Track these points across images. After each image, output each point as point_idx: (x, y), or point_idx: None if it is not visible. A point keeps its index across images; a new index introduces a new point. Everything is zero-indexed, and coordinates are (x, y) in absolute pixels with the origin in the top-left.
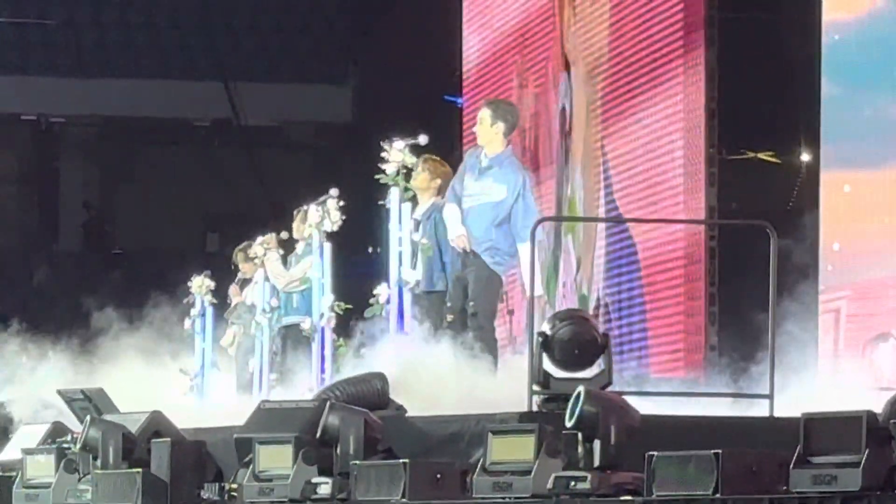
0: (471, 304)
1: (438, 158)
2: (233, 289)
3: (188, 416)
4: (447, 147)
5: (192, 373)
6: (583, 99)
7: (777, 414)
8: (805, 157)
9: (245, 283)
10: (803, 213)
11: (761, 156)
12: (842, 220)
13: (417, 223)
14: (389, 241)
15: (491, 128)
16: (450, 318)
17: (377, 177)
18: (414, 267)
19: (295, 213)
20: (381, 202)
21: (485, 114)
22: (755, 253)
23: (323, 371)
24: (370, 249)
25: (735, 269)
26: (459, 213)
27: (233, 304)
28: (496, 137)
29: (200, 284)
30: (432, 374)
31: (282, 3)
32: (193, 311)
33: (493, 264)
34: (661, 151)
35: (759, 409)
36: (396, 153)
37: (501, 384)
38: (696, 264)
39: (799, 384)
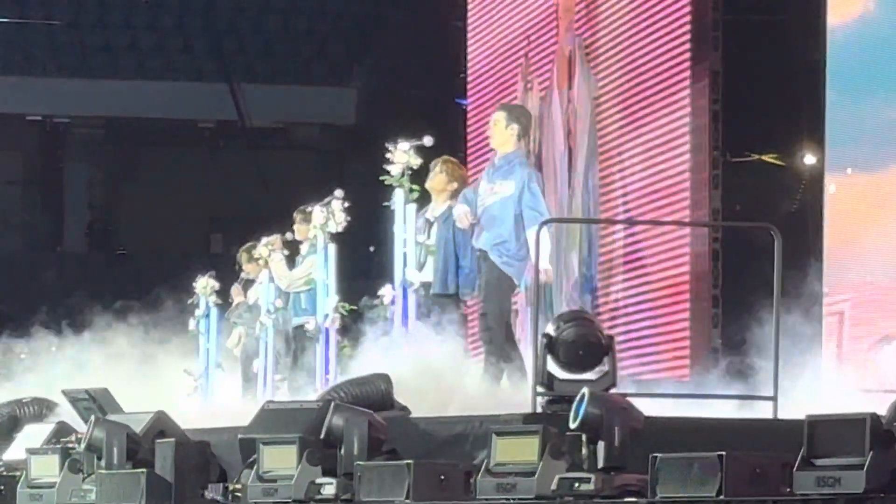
0: (480, 304)
1: (456, 161)
2: (234, 289)
3: (193, 416)
4: (451, 149)
5: (196, 373)
6: (587, 102)
7: (781, 416)
8: (809, 159)
9: (248, 283)
10: (807, 216)
11: (765, 158)
12: (846, 222)
13: (430, 224)
14: (394, 242)
15: (506, 129)
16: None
17: (382, 178)
18: (421, 269)
19: (295, 214)
20: (385, 203)
21: (499, 116)
22: (759, 255)
23: (327, 372)
24: (371, 248)
25: (739, 271)
26: (467, 207)
27: (234, 304)
28: (510, 139)
29: (205, 285)
30: (437, 376)
31: (287, 5)
32: (198, 312)
33: (502, 264)
34: (667, 155)
35: (763, 412)
36: (401, 154)
37: (505, 385)
38: (700, 267)
39: (802, 386)
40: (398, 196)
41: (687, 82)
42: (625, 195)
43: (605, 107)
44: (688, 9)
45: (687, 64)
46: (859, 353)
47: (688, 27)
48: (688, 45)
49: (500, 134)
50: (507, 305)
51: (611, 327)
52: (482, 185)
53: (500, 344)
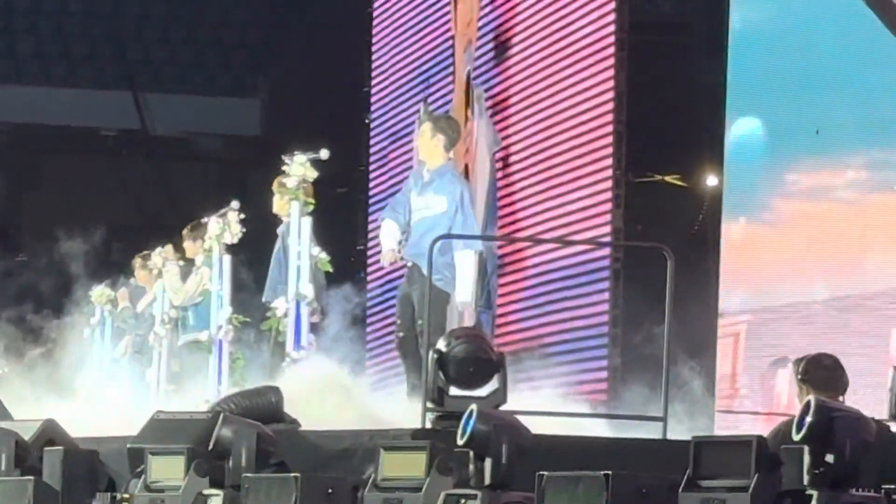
0: (419, 322)
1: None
2: (121, 293)
3: (84, 425)
4: (354, 163)
5: (89, 382)
6: (485, 159)
7: (674, 437)
8: (710, 182)
9: (138, 290)
10: (707, 238)
11: (668, 179)
12: (742, 245)
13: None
14: (289, 255)
15: (431, 140)
16: (401, 334)
17: (275, 189)
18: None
19: (184, 231)
20: (283, 216)
21: (425, 127)
22: (658, 275)
23: (220, 383)
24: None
25: (638, 291)
26: (396, 229)
27: (119, 308)
28: (436, 150)
29: (100, 294)
30: (332, 390)
31: (192, 15)
32: (93, 321)
33: (437, 280)
34: (568, 174)
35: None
36: (298, 167)
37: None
38: (599, 286)
39: (697, 407)
40: (294, 208)
41: (590, 102)
42: (528, 215)
43: (512, 122)
44: (591, 27)
45: (589, 83)
46: (754, 375)
47: (588, 45)
48: (589, 63)
49: (426, 145)
50: (444, 320)
51: (517, 347)
52: (413, 196)
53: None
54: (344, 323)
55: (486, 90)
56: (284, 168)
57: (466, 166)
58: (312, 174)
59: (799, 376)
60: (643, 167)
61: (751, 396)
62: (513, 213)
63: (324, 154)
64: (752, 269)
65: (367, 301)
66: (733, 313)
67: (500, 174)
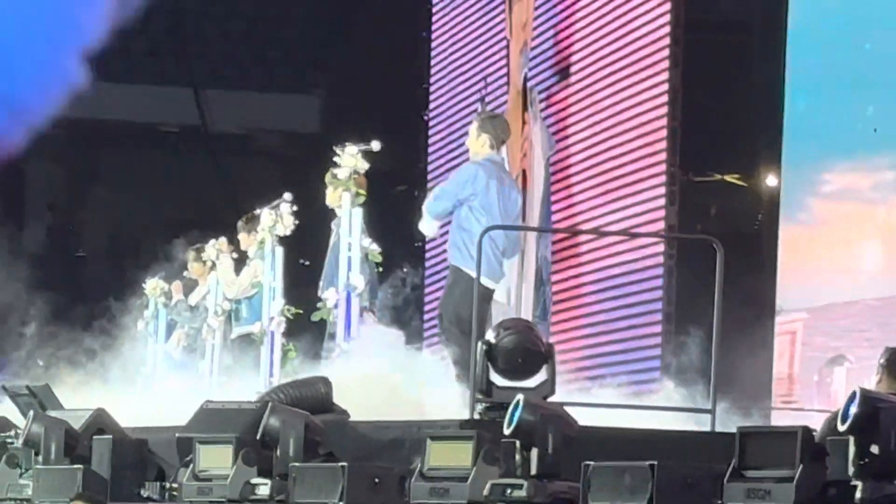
0: (440, 308)
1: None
2: (175, 285)
3: (137, 417)
4: (412, 160)
5: (142, 374)
6: (541, 162)
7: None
8: (770, 181)
9: (191, 282)
10: (764, 236)
11: (727, 178)
12: (801, 244)
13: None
14: (340, 245)
15: (476, 140)
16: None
17: (328, 182)
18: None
19: (238, 223)
20: (334, 206)
21: (472, 127)
22: (712, 272)
23: (271, 375)
24: (306, 262)
25: (692, 287)
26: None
27: (173, 302)
28: (482, 150)
29: (154, 287)
30: (382, 381)
31: (253, 12)
32: (147, 313)
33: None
34: (623, 168)
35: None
36: (349, 158)
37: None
38: (652, 283)
39: (752, 404)
40: (345, 199)
41: (651, 99)
42: (581, 212)
43: (558, 125)
44: (643, 24)
45: (642, 76)
46: (811, 372)
47: (643, 42)
48: (644, 61)
49: (473, 144)
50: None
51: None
52: None
53: (457, 345)
54: (396, 314)
55: (542, 88)
56: (336, 159)
57: (524, 171)
58: (363, 165)
59: (881, 360)
60: (702, 166)
61: (807, 394)
62: (570, 215)
63: (375, 145)
64: (808, 268)
65: (424, 295)
66: (790, 311)
67: (556, 176)
